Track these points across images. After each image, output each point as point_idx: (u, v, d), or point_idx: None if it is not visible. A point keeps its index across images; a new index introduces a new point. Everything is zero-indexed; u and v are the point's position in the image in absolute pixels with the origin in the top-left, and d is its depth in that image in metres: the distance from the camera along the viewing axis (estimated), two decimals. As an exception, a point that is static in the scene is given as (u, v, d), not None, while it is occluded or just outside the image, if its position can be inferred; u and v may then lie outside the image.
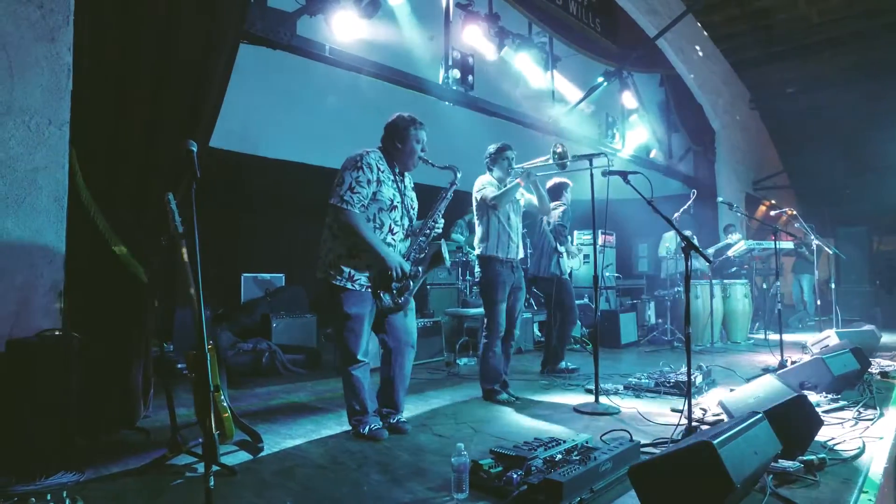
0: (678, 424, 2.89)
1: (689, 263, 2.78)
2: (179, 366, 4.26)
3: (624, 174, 3.08)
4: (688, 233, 6.80)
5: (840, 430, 2.89)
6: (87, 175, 2.91)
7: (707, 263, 6.78)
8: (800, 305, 9.37)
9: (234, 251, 6.97)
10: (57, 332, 2.64)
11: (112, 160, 3.01)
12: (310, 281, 7.42)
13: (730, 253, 7.41)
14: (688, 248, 2.76)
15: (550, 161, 3.90)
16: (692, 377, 3.67)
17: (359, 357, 2.94)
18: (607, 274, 7.97)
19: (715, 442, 1.81)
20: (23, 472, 2.24)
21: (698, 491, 1.83)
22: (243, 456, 2.62)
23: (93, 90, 2.90)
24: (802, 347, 5.43)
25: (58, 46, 2.75)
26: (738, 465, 1.82)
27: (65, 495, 1.55)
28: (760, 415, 2.20)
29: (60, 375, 2.45)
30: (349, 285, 2.89)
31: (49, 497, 1.53)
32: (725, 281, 7.12)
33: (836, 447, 2.62)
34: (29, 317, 2.65)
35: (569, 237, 5.10)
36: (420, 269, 2.99)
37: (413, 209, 3.14)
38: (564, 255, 4.98)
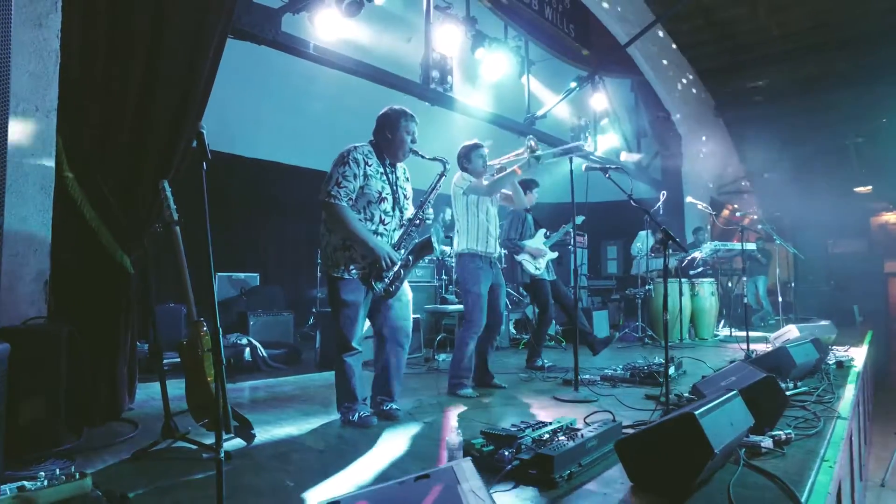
0: (655, 409, 3.03)
1: (668, 255, 2.93)
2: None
3: (605, 169, 3.22)
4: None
5: (803, 410, 3.09)
6: (74, 164, 2.89)
7: (676, 262, 7.10)
8: (756, 305, 9.81)
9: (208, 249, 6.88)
10: (42, 321, 2.62)
11: (99, 149, 2.99)
12: (286, 280, 7.48)
13: (697, 254, 7.69)
14: (665, 239, 2.91)
15: (525, 155, 4.00)
16: (664, 367, 3.86)
17: (353, 344, 3.01)
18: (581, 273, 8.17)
19: (696, 412, 1.94)
20: (15, 458, 2.22)
21: (681, 459, 1.96)
22: (237, 443, 2.63)
23: (81, 78, 2.89)
24: (766, 342, 5.70)
25: (45, 32, 2.74)
26: (717, 434, 1.95)
27: (73, 469, 1.56)
28: (735, 392, 2.35)
29: (49, 363, 2.43)
30: (345, 275, 2.98)
31: (58, 471, 1.54)
32: (693, 280, 7.39)
33: (800, 425, 2.80)
34: (14, 305, 2.62)
35: (532, 237, 5.20)
36: (410, 257, 3.07)
37: (407, 199, 3.22)
38: (525, 261, 5.08)
